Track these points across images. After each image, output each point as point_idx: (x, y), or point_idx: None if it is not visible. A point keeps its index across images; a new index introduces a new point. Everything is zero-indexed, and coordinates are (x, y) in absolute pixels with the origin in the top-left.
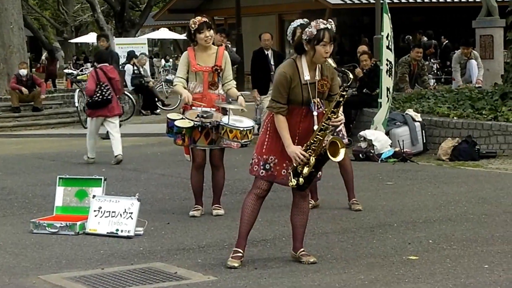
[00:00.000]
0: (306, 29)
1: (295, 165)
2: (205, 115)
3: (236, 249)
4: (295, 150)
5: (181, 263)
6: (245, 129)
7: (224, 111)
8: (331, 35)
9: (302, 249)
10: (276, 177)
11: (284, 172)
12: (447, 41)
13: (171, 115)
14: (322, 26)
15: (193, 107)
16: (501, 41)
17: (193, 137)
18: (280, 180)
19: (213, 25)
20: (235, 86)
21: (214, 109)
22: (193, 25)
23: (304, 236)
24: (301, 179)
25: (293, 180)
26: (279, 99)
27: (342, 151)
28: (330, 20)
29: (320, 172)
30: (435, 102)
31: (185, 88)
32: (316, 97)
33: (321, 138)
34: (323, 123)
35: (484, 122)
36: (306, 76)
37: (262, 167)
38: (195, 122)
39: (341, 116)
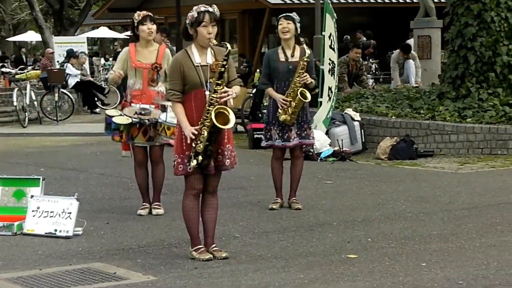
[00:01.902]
0: (189, 14)
1: (189, 142)
2: (143, 112)
3: (197, 246)
4: (189, 129)
5: (121, 263)
6: None
7: (163, 108)
8: (211, 17)
9: (213, 245)
10: (209, 169)
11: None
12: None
13: (110, 112)
14: (202, 9)
15: (132, 104)
16: (438, 41)
17: (131, 134)
18: (207, 170)
19: (156, 23)
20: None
21: (153, 106)
22: (137, 17)
23: (214, 231)
24: (200, 157)
25: (193, 160)
26: (174, 87)
27: (232, 119)
28: (214, 5)
29: (230, 161)
30: (374, 101)
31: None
32: (210, 78)
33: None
34: (210, 97)
35: (422, 122)
36: (197, 60)
37: (187, 164)
38: (133, 119)
39: (230, 90)
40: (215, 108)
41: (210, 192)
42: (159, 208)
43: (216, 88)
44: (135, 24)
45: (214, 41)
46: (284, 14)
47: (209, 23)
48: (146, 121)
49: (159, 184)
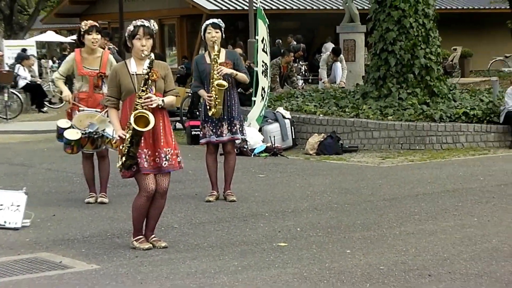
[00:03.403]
0: (127, 27)
1: (119, 144)
2: (91, 130)
3: (138, 237)
4: (119, 132)
5: (66, 253)
6: None
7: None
8: (146, 31)
9: (153, 236)
10: (146, 168)
11: (145, 163)
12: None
13: (61, 123)
14: (139, 23)
15: (80, 108)
16: (362, 45)
17: (81, 144)
18: (150, 169)
19: (101, 30)
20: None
21: (100, 109)
22: (84, 26)
23: (155, 227)
24: (123, 158)
25: (119, 161)
26: (110, 93)
27: (152, 122)
28: (152, 20)
29: (169, 163)
30: (303, 100)
31: (65, 83)
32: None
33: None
34: (135, 102)
35: (347, 119)
36: (133, 69)
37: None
38: (82, 132)
39: (153, 97)
40: (135, 112)
41: (160, 193)
42: (105, 197)
43: (140, 94)
44: (82, 33)
45: (146, 53)
46: (211, 22)
47: (143, 37)
48: (94, 134)
49: (105, 177)
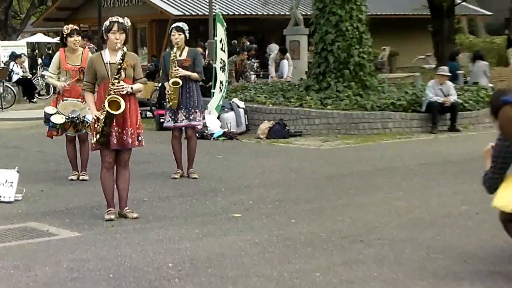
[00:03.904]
0: (104, 23)
1: (94, 124)
2: (73, 115)
3: (109, 209)
4: (95, 113)
5: (52, 222)
6: None
7: None
8: (119, 26)
9: (127, 208)
10: (116, 144)
11: (115, 140)
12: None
13: (48, 110)
14: (114, 19)
15: (64, 98)
16: (305, 45)
17: (65, 128)
18: (115, 146)
19: (81, 32)
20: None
21: (81, 99)
22: (66, 30)
23: (127, 197)
24: (98, 135)
25: (93, 138)
26: (87, 79)
27: (123, 106)
28: (127, 19)
29: (131, 140)
30: (255, 92)
31: (58, 79)
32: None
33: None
34: (109, 88)
35: (293, 108)
36: (107, 59)
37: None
38: (66, 117)
39: (125, 85)
40: (109, 97)
41: (122, 166)
42: (85, 175)
43: (113, 81)
44: (64, 35)
45: (119, 45)
46: (175, 26)
47: (117, 31)
48: (76, 119)
49: (85, 158)
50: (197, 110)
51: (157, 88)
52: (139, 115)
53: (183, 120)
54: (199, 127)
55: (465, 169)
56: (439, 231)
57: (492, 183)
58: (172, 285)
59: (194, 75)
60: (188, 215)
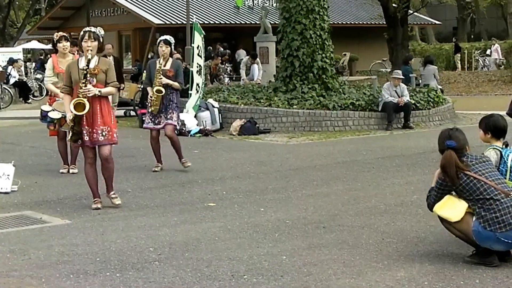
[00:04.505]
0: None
1: (68, 123)
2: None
3: (95, 199)
4: (68, 114)
5: (45, 211)
6: None
7: None
8: (91, 35)
9: (112, 192)
10: (87, 141)
11: (86, 137)
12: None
13: (45, 108)
14: (86, 29)
15: (56, 99)
16: (273, 51)
17: (60, 123)
18: (87, 143)
19: (70, 39)
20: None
21: None
22: (55, 37)
23: (112, 184)
24: (70, 133)
25: (68, 136)
26: (64, 83)
27: (86, 108)
28: (100, 28)
29: (104, 138)
30: (228, 94)
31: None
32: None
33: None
34: (77, 91)
35: (262, 108)
36: (82, 65)
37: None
38: (62, 114)
39: (91, 88)
40: (74, 100)
41: (104, 160)
42: (74, 169)
43: (81, 85)
44: (54, 41)
45: (90, 51)
46: (163, 38)
47: (88, 39)
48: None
49: (75, 152)
50: (174, 111)
51: (140, 89)
52: (112, 114)
53: (161, 122)
54: (175, 124)
55: (417, 162)
56: (393, 217)
57: (431, 204)
58: (153, 267)
59: (176, 84)
60: (168, 204)
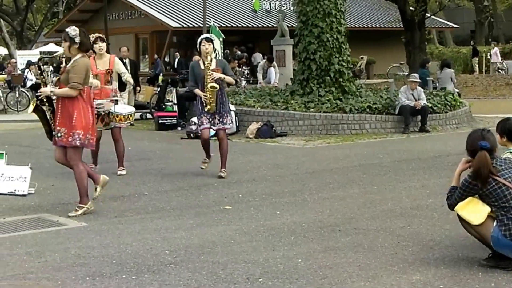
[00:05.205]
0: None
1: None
2: (98, 107)
3: (80, 205)
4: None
5: (62, 214)
6: (126, 114)
7: (116, 102)
8: (64, 36)
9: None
10: (56, 141)
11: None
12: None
13: None
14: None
15: (94, 100)
16: (290, 54)
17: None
18: (55, 143)
19: (105, 40)
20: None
21: (109, 100)
22: (91, 38)
23: (79, 191)
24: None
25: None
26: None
27: (30, 109)
28: (73, 27)
29: (60, 139)
30: (245, 97)
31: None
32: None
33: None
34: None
35: (279, 111)
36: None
37: (78, 140)
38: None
39: (44, 89)
40: (33, 101)
41: (59, 162)
42: (123, 170)
43: (42, 85)
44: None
45: (65, 53)
46: (205, 37)
47: (63, 40)
48: (102, 112)
49: (121, 156)
50: (228, 115)
51: (156, 92)
52: (74, 116)
53: (218, 124)
54: (229, 128)
55: (433, 165)
56: (408, 221)
57: (453, 204)
58: (169, 269)
59: (229, 78)
60: (184, 207)
